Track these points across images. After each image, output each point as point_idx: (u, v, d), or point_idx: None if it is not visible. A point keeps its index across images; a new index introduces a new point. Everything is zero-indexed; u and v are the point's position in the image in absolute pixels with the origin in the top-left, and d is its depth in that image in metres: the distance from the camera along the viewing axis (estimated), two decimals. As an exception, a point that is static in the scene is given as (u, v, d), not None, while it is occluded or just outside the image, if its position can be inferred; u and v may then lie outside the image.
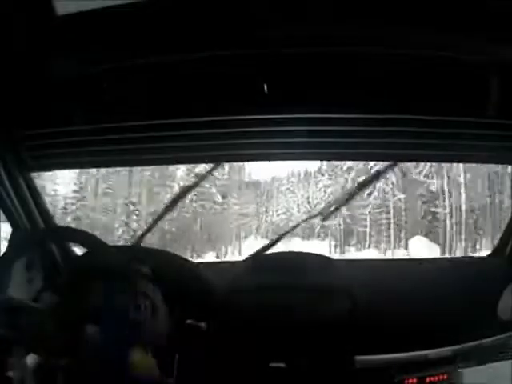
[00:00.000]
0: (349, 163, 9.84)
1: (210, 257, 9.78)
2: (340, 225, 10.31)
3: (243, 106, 1.13)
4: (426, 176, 9.65)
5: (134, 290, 0.98)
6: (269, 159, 1.51)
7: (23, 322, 0.93)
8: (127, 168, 8.96)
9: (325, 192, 10.59)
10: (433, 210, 9.71)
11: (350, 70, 1.06)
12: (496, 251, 1.49)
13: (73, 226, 6.17)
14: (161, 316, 1.01)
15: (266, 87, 1.06)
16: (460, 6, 0.83)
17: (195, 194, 9.45)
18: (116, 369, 0.91)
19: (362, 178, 1.45)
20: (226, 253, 10.39)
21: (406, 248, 9.53)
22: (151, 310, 0.99)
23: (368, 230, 10.22)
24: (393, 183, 9.79)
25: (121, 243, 7.88)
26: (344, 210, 9.37)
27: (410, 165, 9.27)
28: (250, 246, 9.36)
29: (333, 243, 10.42)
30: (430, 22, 0.89)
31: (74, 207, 9.57)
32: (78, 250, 1.45)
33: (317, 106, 1.14)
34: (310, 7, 0.87)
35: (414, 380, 1.21)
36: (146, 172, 9.73)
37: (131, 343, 0.94)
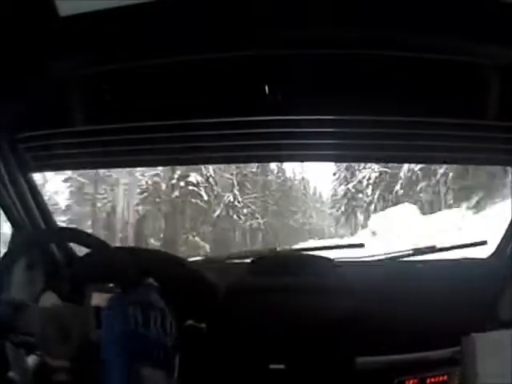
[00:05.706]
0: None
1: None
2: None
3: (244, 108, 1.14)
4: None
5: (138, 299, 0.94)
6: (271, 161, 1.52)
7: (24, 322, 0.93)
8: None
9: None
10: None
11: (350, 72, 1.06)
12: (496, 252, 1.50)
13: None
14: (168, 326, 0.96)
15: (267, 89, 1.06)
16: (459, 7, 0.83)
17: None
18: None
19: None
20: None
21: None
22: (158, 320, 0.94)
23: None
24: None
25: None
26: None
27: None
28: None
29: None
30: (430, 25, 0.89)
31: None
32: (80, 251, 1.45)
33: (319, 108, 1.14)
34: (311, 9, 0.87)
35: (415, 381, 1.21)
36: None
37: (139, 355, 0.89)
